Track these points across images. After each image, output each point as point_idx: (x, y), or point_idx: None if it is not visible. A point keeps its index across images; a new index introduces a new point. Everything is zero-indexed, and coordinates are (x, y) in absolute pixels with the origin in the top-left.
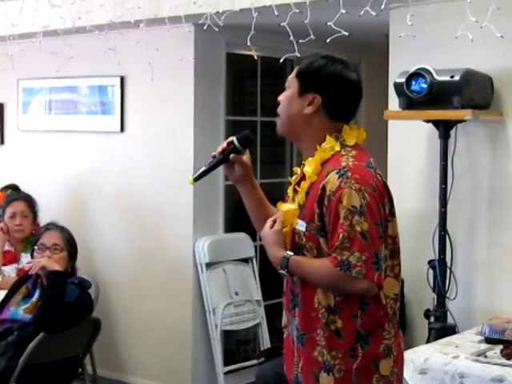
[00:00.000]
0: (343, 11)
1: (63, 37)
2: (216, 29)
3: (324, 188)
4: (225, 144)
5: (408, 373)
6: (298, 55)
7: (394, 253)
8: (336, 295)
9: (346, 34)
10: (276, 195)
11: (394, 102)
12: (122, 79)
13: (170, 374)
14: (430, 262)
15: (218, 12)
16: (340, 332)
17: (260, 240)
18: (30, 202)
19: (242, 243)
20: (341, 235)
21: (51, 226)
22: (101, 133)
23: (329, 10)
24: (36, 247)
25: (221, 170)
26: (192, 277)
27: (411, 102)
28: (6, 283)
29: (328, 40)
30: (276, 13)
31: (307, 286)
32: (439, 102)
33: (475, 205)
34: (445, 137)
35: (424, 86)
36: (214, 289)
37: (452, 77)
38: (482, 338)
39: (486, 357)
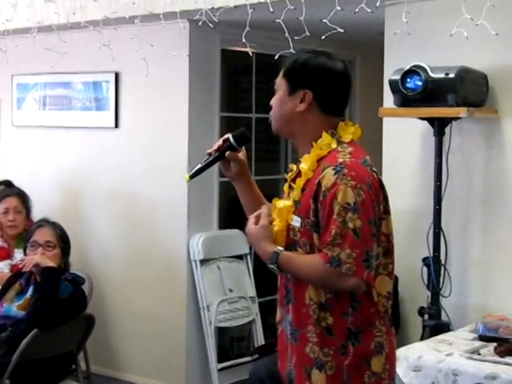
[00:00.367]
0: (338, 8)
1: (58, 32)
2: (211, 25)
3: (320, 184)
4: (220, 141)
5: (402, 370)
6: (293, 52)
7: (388, 251)
8: (327, 292)
9: (341, 30)
10: (271, 192)
11: (388, 99)
12: (117, 75)
13: (163, 371)
14: (424, 259)
15: (213, 8)
16: (331, 329)
17: None
18: (23, 197)
19: (237, 240)
20: (333, 231)
21: (43, 222)
22: (95, 129)
23: (324, 7)
24: (28, 244)
25: (216, 166)
26: (186, 273)
27: (406, 100)
28: None
29: (323, 37)
30: (271, 9)
31: (299, 281)
32: (434, 100)
33: (469, 202)
34: (439, 134)
35: (419, 83)
36: (208, 285)
37: (447, 74)
38: (476, 335)
39: (479, 354)
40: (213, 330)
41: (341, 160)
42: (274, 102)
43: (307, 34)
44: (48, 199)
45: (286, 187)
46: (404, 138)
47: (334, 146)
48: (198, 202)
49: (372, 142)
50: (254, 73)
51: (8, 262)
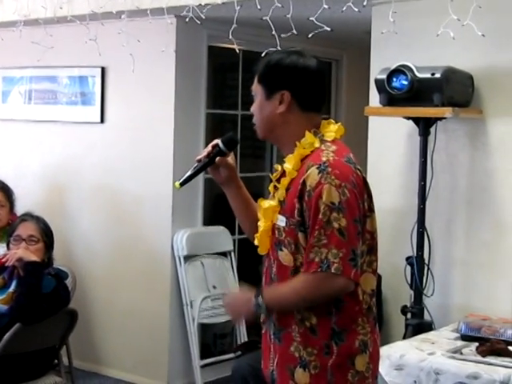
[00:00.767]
0: (326, 6)
1: (44, 26)
2: (198, 21)
3: (304, 183)
4: (210, 147)
5: (384, 368)
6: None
7: (372, 248)
8: None
9: (328, 29)
10: (256, 189)
11: (374, 98)
12: (103, 70)
13: (146, 367)
14: (407, 258)
15: (200, 5)
16: (314, 329)
17: (239, 234)
18: (6, 191)
19: (221, 237)
20: (317, 232)
21: (27, 216)
22: (81, 123)
23: (311, 5)
24: (12, 239)
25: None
26: (170, 269)
27: (392, 99)
28: None
29: (310, 35)
30: (258, 7)
31: (284, 281)
32: (420, 99)
33: (454, 202)
34: (425, 134)
35: (405, 82)
36: (192, 282)
37: (433, 74)
38: (458, 335)
39: (461, 354)
40: (196, 327)
41: (324, 159)
42: (254, 109)
43: (294, 31)
44: (32, 193)
45: (271, 187)
46: (389, 137)
47: (317, 144)
48: (183, 198)
49: (358, 140)
50: (241, 70)
51: None
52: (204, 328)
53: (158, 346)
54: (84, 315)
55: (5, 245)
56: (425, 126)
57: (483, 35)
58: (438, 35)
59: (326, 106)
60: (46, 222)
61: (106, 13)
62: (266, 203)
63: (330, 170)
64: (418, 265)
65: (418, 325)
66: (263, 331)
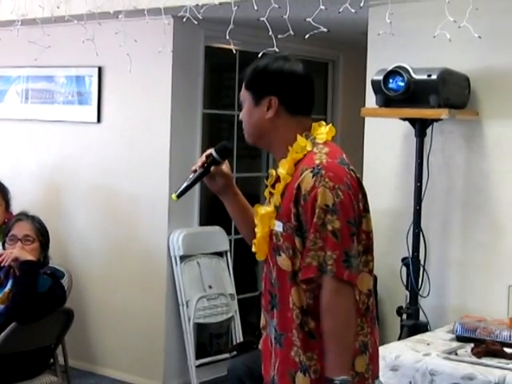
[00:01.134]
0: (322, 7)
1: (41, 26)
2: (195, 22)
3: (299, 187)
4: (203, 157)
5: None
6: (277, 50)
7: (368, 248)
8: (307, 297)
9: (325, 30)
10: (252, 190)
11: (371, 99)
12: (100, 70)
13: (141, 366)
14: (403, 259)
15: (197, 5)
16: (313, 333)
17: (235, 234)
18: (2, 190)
19: (217, 237)
20: (312, 235)
21: (22, 216)
22: (77, 123)
23: (308, 6)
24: (7, 238)
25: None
26: (166, 269)
27: (388, 100)
28: None
29: (307, 36)
30: (255, 7)
31: (284, 286)
32: (416, 101)
33: (449, 203)
34: (421, 135)
35: (401, 84)
36: (188, 282)
37: (429, 76)
38: (454, 336)
39: (456, 355)
40: (192, 327)
41: (318, 162)
42: (242, 115)
43: (291, 32)
44: (29, 193)
45: (266, 193)
46: (385, 138)
47: (309, 148)
48: (179, 198)
49: (354, 141)
50: (238, 70)
51: None
52: (200, 328)
53: (154, 346)
54: (80, 314)
55: (0, 244)
56: (421, 127)
57: (480, 37)
58: (435, 37)
59: (323, 107)
60: (41, 221)
61: (103, 13)
62: (263, 209)
63: (323, 172)
64: (413, 266)
65: (414, 326)
66: (263, 337)
